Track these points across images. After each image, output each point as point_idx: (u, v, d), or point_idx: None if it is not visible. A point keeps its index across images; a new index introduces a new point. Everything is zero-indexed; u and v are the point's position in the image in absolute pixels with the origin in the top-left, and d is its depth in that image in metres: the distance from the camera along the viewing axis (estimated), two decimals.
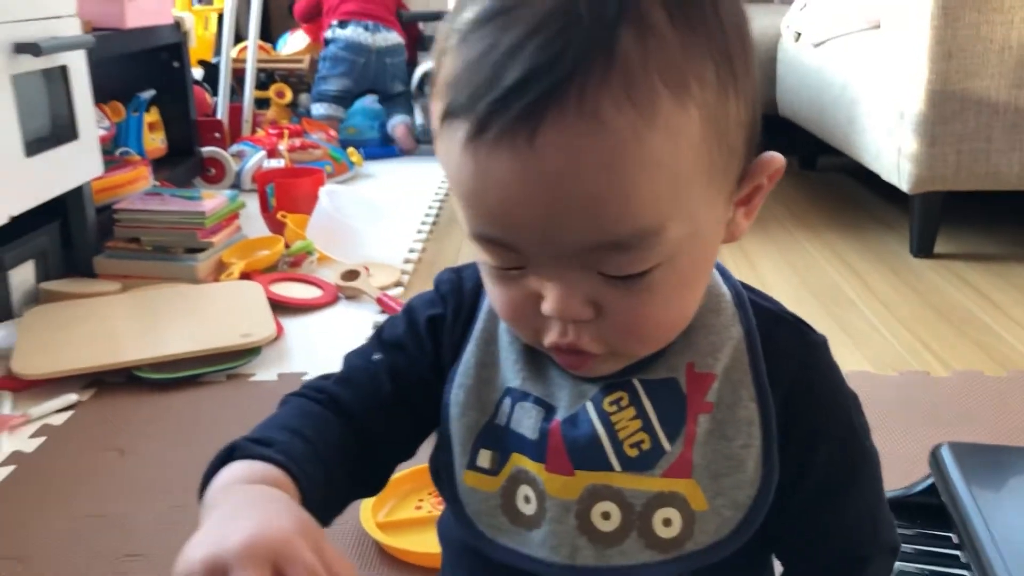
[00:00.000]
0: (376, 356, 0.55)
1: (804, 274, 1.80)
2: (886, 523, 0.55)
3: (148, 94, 2.23)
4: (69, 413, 1.27)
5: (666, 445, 0.48)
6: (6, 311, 1.57)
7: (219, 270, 1.76)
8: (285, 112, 3.10)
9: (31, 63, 1.52)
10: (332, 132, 2.91)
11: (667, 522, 0.48)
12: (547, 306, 0.44)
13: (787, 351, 0.50)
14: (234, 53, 2.73)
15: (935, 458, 0.82)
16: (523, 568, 0.51)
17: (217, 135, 2.52)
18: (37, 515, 1.03)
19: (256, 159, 2.54)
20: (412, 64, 3.23)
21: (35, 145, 1.54)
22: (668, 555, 0.49)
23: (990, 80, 1.69)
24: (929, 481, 0.82)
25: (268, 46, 3.19)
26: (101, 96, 1.79)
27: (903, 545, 0.79)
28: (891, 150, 1.80)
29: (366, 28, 3.01)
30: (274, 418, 0.51)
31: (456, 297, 0.56)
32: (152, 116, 2.29)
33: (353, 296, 1.69)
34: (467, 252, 1.99)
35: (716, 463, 0.48)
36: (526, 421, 0.50)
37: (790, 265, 1.85)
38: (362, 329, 1.56)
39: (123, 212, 1.77)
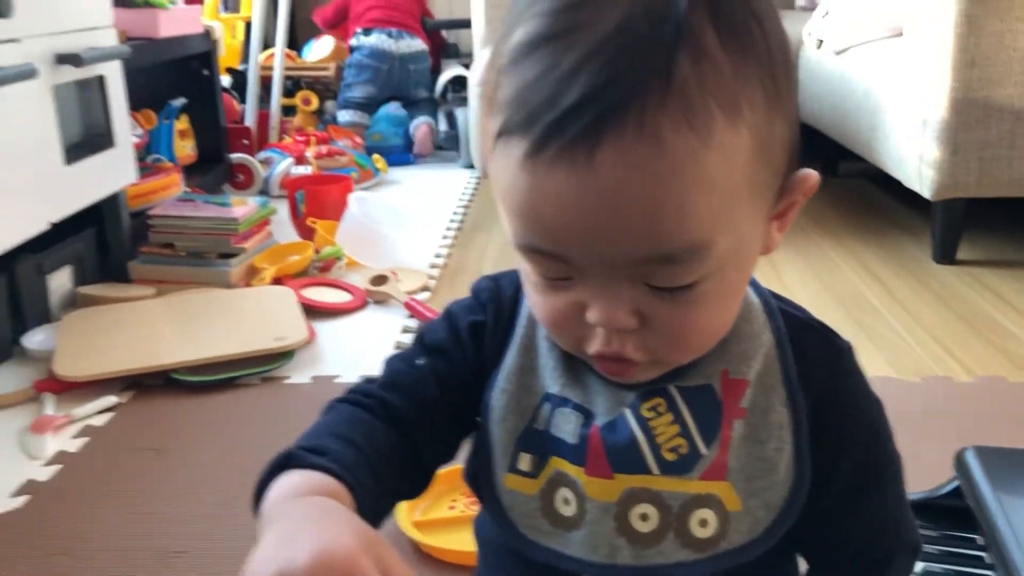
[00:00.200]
0: (420, 361, 0.57)
1: (827, 280, 1.81)
2: (908, 523, 0.57)
3: (179, 102, 2.27)
4: (110, 414, 1.30)
5: (703, 449, 0.50)
6: (45, 314, 1.61)
7: (251, 275, 1.79)
8: (311, 119, 3.15)
9: (71, 73, 1.56)
10: (358, 139, 2.95)
11: (703, 523, 0.50)
12: (593, 316, 0.45)
13: (816, 358, 0.52)
14: (260, 60, 2.77)
15: (960, 461, 0.84)
16: (562, 568, 0.53)
17: (245, 142, 2.56)
18: (84, 512, 1.07)
19: (284, 166, 2.58)
20: (436, 71, 3.27)
21: (74, 153, 1.58)
22: (704, 554, 0.50)
23: (1013, 88, 1.70)
24: (954, 484, 0.84)
25: (294, 53, 3.23)
26: (134, 104, 1.83)
27: (929, 546, 0.81)
28: (913, 157, 1.81)
29: (390, 35, 3.05)
30: (323, 425, 0.52)
31: (495, 304, 0.57)
32: (182, 123, 2.33)
33: (382, 300, 1.73)
34: (492, 257, 2.02)
35: (750, 466, 0.50)
36: (566, 426, 0.52)
37: (813, 271, 1.86)
38: (391, 333, 1.59)
39: (158, 218, 1.81)
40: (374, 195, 2.30)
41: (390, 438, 0.53)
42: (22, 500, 1.09)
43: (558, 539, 0.53)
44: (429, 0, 3.35)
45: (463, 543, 0.96)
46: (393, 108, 3.13)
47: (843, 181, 2.66)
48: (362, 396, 0.55)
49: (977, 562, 0.79)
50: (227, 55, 2.98)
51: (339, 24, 3.22)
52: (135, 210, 1.86)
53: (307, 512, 0.42)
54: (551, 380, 0.53)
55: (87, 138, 1.67)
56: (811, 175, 0.49)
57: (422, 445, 0.54)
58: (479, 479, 0.55)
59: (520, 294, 0.55)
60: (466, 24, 2.89)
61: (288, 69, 3.02)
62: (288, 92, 3.08)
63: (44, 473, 1.15)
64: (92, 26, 1.65)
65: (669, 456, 0.50)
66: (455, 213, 2.40)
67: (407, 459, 0.54)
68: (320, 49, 3.24)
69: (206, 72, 2.37)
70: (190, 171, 2.28)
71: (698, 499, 0.50)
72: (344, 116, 3.08)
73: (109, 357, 1.40)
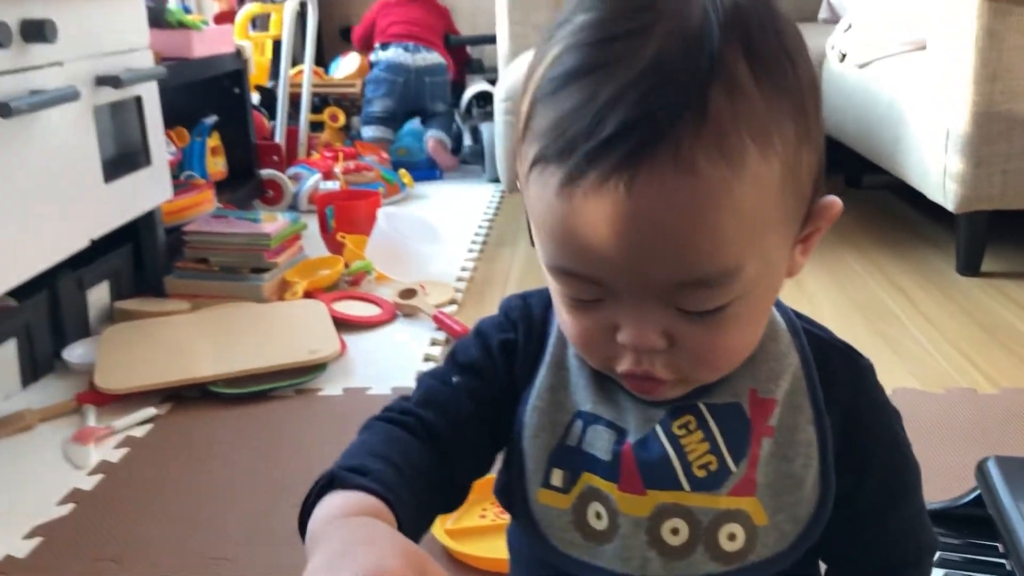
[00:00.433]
0: (455, 379, 0.58)
1: (851, 292, 1.82)
2: (926, 528, 0.58)
3: (211, 120, 2.32)
4: (149, 426, 1.34)
5: (732, 466, 0.52)
6: (84, 329, 1.66)
7: (283, 289, 1.83)
8: (338, 135, 3.20)
9: (111, 95, 1.61)
10: (384, 154, 3.00)
11: (731, 536, 0.52)
12: (624, 337, 0.47)
13: (840, 378, 0.54)
14: (288, 77, 2.82)
15: (981, 471, 0.86)
16: None
17: (275, 158, 2.61)
18: (127, 519, 1.10)
19: (312, 181, 2.62)
20: (461, 86, 3.31)
21: (112, 172, 1.63)
22: (731, 566, 0.52)
23: None
24: (976, 493, 0.86)
25: (321, 70, 3.29)
26: (167, 122, 1.87)
27: (952, 554, 0.83)
28: (937, 170, 1.83)
29: (406, 49, 3.10)
30: (362, 444, 0.53)
31: (526, 323, 0.58)
32: (214, 140, 2.38)
33: (410, 314, 1.76)
34: (517, 270, 2.05)
35: (778, 482, 0.52)
36: (599, 443, 0.53)
37: (836, 283, 1.88)
38: (419, 345, 1.62)
39: (192, 234, 1.86)
40: (403, 210, 2.34)
41: (426, 455, 0.54)
42: (68, 508, 1.13)
43: (590, 552, 0.54)
44: (454, 16, 3.40)
45: (494, 551, 0.99)
46: (418, 123, 3.19)
47: (867, 193, 2.67)
48: (398, 414, 0.56)
49: (999, 569, 0.80)
50: (256, 73, 3.04)
51: (371, 43, 3.28)
52: (169, 226, 1.91)
53: (354, 533, 0.42)
54: (583, 398, 0.55)
55: (125, 157, 1.72)
56: (835, 203, 0.51)
57: (457, 461, 0.56)
58: (511, 493, 0.56)
59: (550, 313, 0.56)
60: (490, 40, 2.92)
61: (316, 86, 3.07)
62: (316, 108, 3.13)
63: (88, 482, 1.19)
64: (130, 48, 1.70)
65: (700, 473, 0.52)
66: (480, 227, 2.43)
67: (443, 475, 0.55)
68: (347, 66, 3.30)
69: (237, 90, 2.42)
70: (221, 187, 2.33)
71: (727, 514, 0.52)
72: (368, 131, 3.13)
73: (148, 370, 1.44)
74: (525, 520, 0.56)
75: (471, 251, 2.20)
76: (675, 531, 0.52)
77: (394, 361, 1.55)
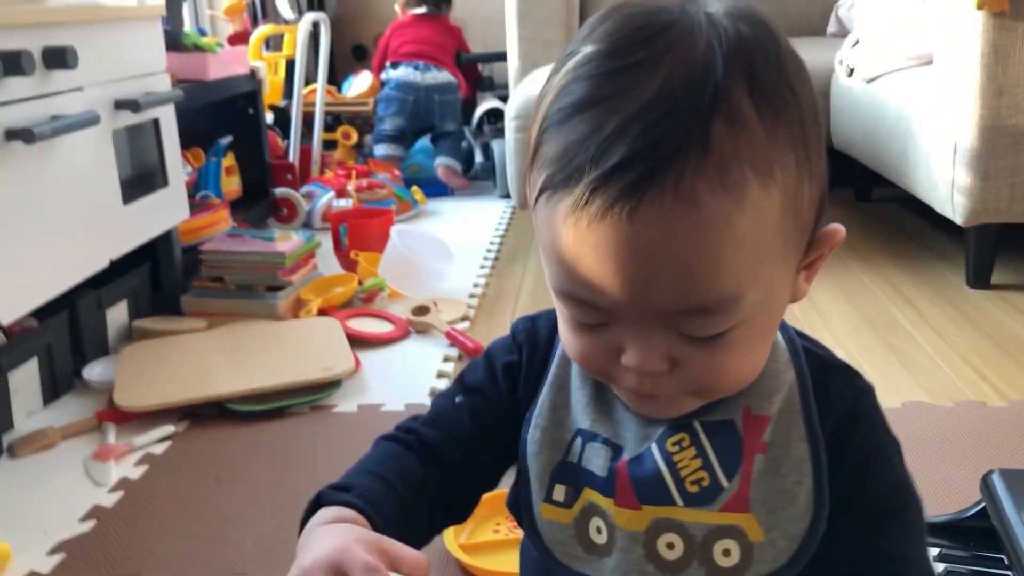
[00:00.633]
0: (459, 399, 0.62)
1: (860, 305, 1.84)
2: (921, 559, 0.56)
3: (226, 140, 2.35)
4: (168, 443, 1.37)
5: (724, 482, 0.53)
6: (103, 347, 1.69)
7: (298, 307, 1.86)
8: (351, 153, 3.23)
9: (129, 118, 1.64)
10: (396, 171, 3.03)
11: (727, 552, 0.53)
12: (628, 360, 0.48)
13: (835, 396, 0.54)
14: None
15: (986, 484, 0.87)
16: None
17: (289, 177, 2.64)
18: (148, 535, 1.13)
19: (326, 199, 2.65)
20: (472, 103, 3.34)
21: (131, 193, 1.66)
22: None
23: None
24: (981, 505, 0.87)
25: (333, 89, 3.32)
26: (183, 143, 1.90)
27: (958, 566, 0.84)
28: (945, 183, 1.84)
29: (416, 68, 3.14)
30: (362, 462, 0.59)
31: (531, 344, 0.61)
32: (229, 160, 2.41)
33: (423, 330, 1.78)
34: (528, 286, 2.07)
35: (772, 498, 0.53)
36: (596, 460, 0.55)
37: (846, 296, 1.89)
38: (432, 362, 1.64)
39: (208, 253, 1.89)
40: (415, 227, 2.37)
41: (424, 471, 0.58)
42: (90, 525, 1.15)
43: (592, 565, 0.56)
44: (465, 34, 3.44)
45: (506, 564, 1.00)
46: (429, 140, 3.22)
47: (876, 206, 2.68)
48: (404, 433, 0.61)
49: None
50: (270, 92, 3.08)
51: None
52: (186, 245, 1.94)
53: (322, 532, 0.50)
54: (582, 416, 0.57)
55: (142, 178, 1.75)
56: (838, 231, 0.52)
57: (459, 476, 0.59)
58: (520, 508, 0.59)
59: (555, 334, 0.58)
60: (501, 58, 2.95)
61: (328, 105, 3.11)
62: (329, 127, 3.17)
63: (109, 499, 1.21)
64: (148, 72, 1.73)
65: (692, 488, 0.53)
66: (492, 243, 2.46)
67: (444, 489, 0.58)
68: (359, 84, 3.34)
69: (251, 110, 2.45)
70: (236, 206, 2.36)
71: (721, 530, 0.53)
72: (379, 150, 3.16)
73: (166, 388, 1.46)
74: (532, 533, 0.58)
75: (483, 267, 2.23)
76: (670, 546, 0.53)
77: (408, 377, 1.57)
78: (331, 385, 1.50)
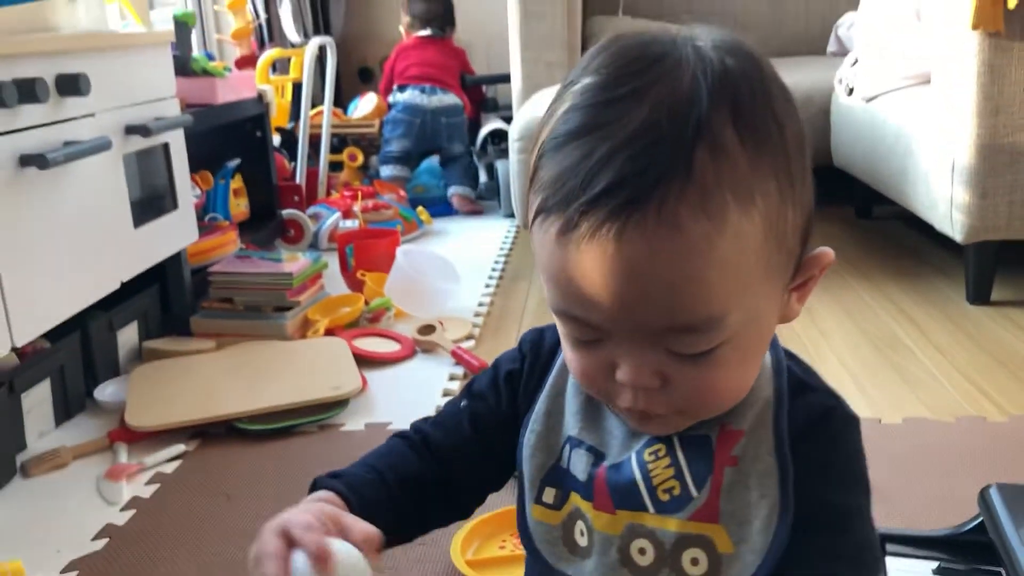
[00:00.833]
0: (463, 403, 0.67)
1: (861, 322, 1.85)
2: None
3: (234, 163, 2.39)
4: (178, 462, 1.39)
5: (694, 492, 0.55)
6: (114, 368, 1.71)
7: (305, 327, 1.88)
8: (357, 174, 3.27)
9: (140, 143, 1.67)
10: (401, 192, 3.06)
11: (695, 561, 0.55)
12: (621, 375, 0.51)
13: (805, 409, 0.55)
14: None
15: (983, 498, 0.88)
16: None
17: (296, 198, 2.67)
18: (159, 553, 1.14)
19: (332, 220, 2.68)
20: (476, 124, 3.38)
21: (141, 216, 1.69)
22: None
23: None
24: (979, 520, 0.89)
25: (339, 111, 3.36)
26: (192, 166, 1.93)
27: None
28: (943, 201, 1.86)
29: (422, 91, 3.19)
30: (366, 455, 0.65)
31: (534, 353, 0.65)
32: (236, 182, 2.44)
33: (429, 349, 1.80)
34: (532, 306, 2.09)
35: (741, 510, 0.54)
36: (578, 464, 0.59)
37: (847, 313, 1.91)
38: (438, 380, 1.66)
39: (217, 275, 1.91)
40: (421, 247, 2.39)
41: (419, 465, 0.64)
42: (102, 543, 1.17)
43: (575, 566, 0.59)
44: (469, 57, 3.48)
45: None
46: (435, 161, 3.26)
47: (876, 224, 2.70)
48: (411, 431, 0.67)
49: None
50: (276, 115, 3.11)
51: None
52: (195, 267, 1.97)
53: (291, 508, 0.56)
54: (572, 424, 0.60)
55: (152, 201, 1.78)
56: (826, 253, 0.54)
57: (457, 475, 0.65)
58: (517, 511, 0.62)
59: (559, 345, 0.61)
60: (505, 79, 2.99)
61: (335, 126, 3.15)
62: (335, 149, 3.20)
63: (121, 518, 1.23)
64: (158, 97, 1.77)
65: (663, 496, 0.55)
66: (496, 262, 2.48)
67: (439, 485, 0.64)
68: (364, 106, 3.37)
69: (259, 133, 2.49)
70: (243, 227, 2.38)
71: (689, 538, 0.55)
72: (385, 171, 3.20)
73: (176, 408, 1.48)
74: (524, 534, 0.61)
75: (488, 286, 2.25)
76: (642, 551, 0.56)
77: (414, 396, 1.59)
78: (339, 404, 1.51)
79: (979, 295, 1.91)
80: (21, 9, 1.48)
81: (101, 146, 1.48)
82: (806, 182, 0.51)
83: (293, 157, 2.89)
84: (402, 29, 3.43)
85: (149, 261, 1.73)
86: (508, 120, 2.94)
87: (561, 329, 0.54)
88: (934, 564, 0.88)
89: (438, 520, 0.67)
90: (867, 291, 2.05)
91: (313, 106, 2.97)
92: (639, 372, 0.50)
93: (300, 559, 0.51)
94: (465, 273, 2.21)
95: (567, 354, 0.55)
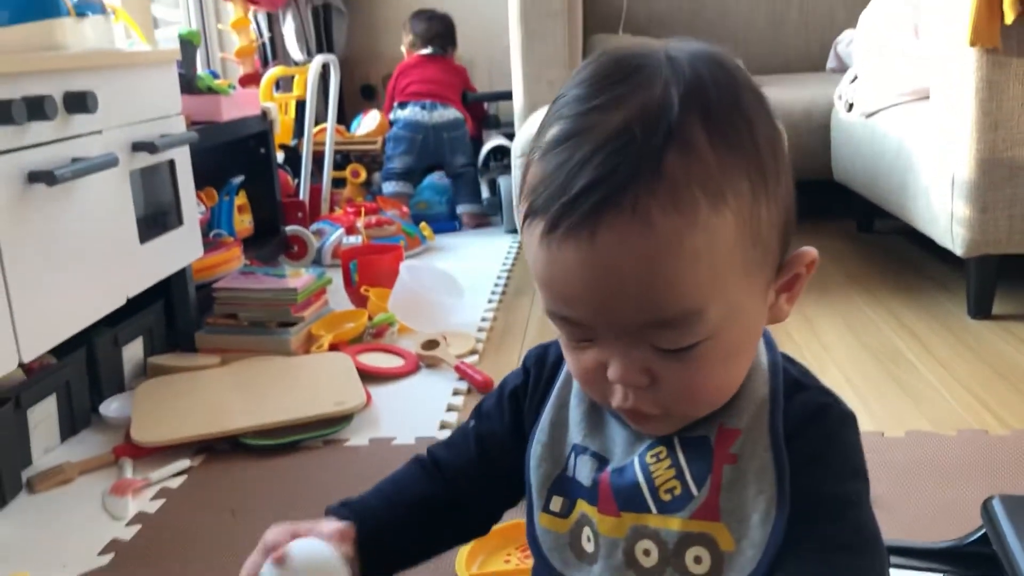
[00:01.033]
0: (471, 424, 0.69)
1: (863, 336, 1.86)
2: None
3: (238, 180, 2.40)
4: (184, 477, 1.39)
5: (694, 491, 0.56)
6: (120, 384, 1.72)
7: (309, 342, 1.89)
8: (360, 191, 3.29)
9: (146, 159, 1.69)
10: (404, 208, 3.08)
11: (698, 559, 0.56)
12: (611, 373, 0.53)
13: (800, 406, 0.57)
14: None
15: (987, 509, 0.89)
16: None
17: (300, 215, 2.69)
18: (165, 569, 1.15)
19: (335, 236, 2.70)
20: (478, 141, 3.40)
21: (147, 232, 1.70)
22: None
23: None
24: (982, 531, 0.89)
25: (342, 128, 3.38)
26: (197, 183, 1.94)
27: None
28: (944, 215, 1.87)
29: (423, 107, 3.21)
30: (381, 481, 0.70)
31: (538, 367, 0.67)
32: (240, 199, 2.46)
33: (433, 364, 1.81)
34: (536, 321, 2.10)
35: (740, 507, 0.56)
36: (583, 470, 0.61)
37: (849, 327, 1.91)
38: (442, 395, 1.66)
39: (222, 290, 1.92)
40: (424, 263, 2.40)
41: (429, 488, 0.68)
42: (108, 558, 1.18)
43: (582, 572, 0.60)
44: (471, 74, 3.50)
45: None
46: (437, 177, 3.27)
47: (878, 238, 2.71)
48: (426, 455, 0.71)
49: None
50: (280, 132, 3.13)
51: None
52: (199, 283, 1.98)
53: None
54: (576, 432, 0.62)
55: (158, 218, 1.79)
56: (809, 251, 0.56)
57: (466, 496, 0.67)
58: (526, 520, 0.64)
59: (563, 358, 0.63)
60: (506, 96, 3.01)
61: (338, 143, 3.17)
62: (338, 165, 3.22)
63: (126, 533, 1.24)
64: (163, 114, 1.78)
65: (665, 496, 0.57)
66: (499, 277, 2.49)
67: (449, 506, 0.67)
68: (367, 123, 3.40)
69: (263, 150, 2.50)
70: (248, 243, 2.40)
71: (692, 537, 0.56)
72: (388, 187, 3.22)
73: (181, 423, 1.49)
74: (532, 543, 0.63)
75: (491, 301, 2.26)
76: (647, 552, 0.57)
77: (418, 411, 1.60)
78: (343, 419, 1.52)
79: (980, 309, 1.92)
80: (30, 28, 1.50)
81: (108, 163, 1.49)
82: (781, 182, 0.53)
83: (297, 174, 2.91)
84: (404, 49, 3.46)
85: (155, 277, 1.74)
86: (510, 137, 2.95)
87: (558, 332, 0.56)
88: None
89: (452, 540, 0.70)
90: (869, 305, 2.06)
91: (316, 123, 2.99)
92: (627, 370, 0.53)
93: (266, 565, 0.61)
94: (468, 288, 2.22)
95: (567, 357, 0.58)
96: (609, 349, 0.53)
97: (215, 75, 2.52)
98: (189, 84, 2.09)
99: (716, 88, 0.51)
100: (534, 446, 0.64)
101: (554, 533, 0.61)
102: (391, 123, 3.30)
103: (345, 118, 3.64)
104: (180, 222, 1.84)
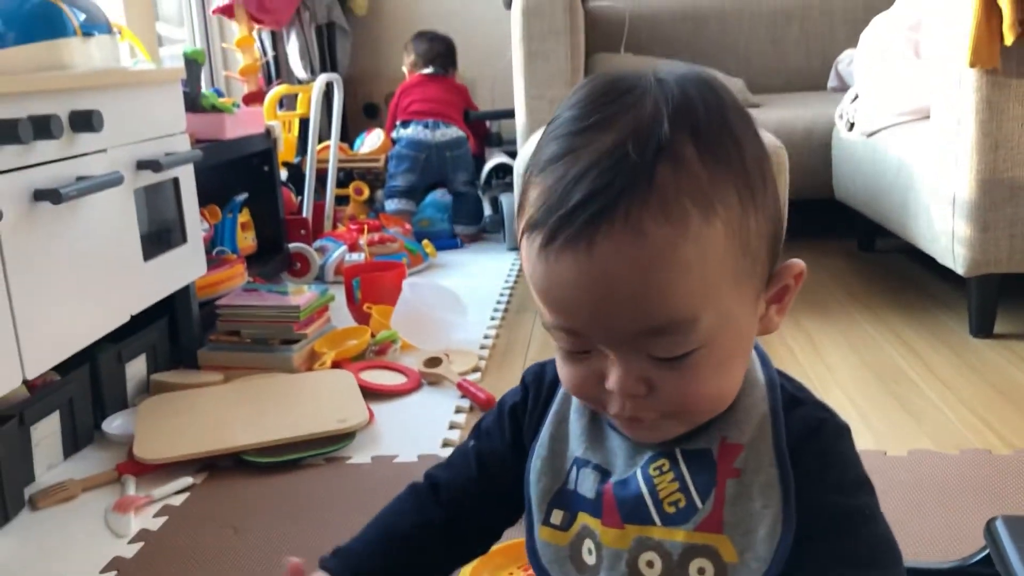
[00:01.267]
0: (471, 443, 0.71)
1: (865, 355, 1.86)
2: None
3: (241, 197, 2.41)
4: (186, 494, 1.39)
5: (699, 503, 0.58)
6: (123, 400, 1.72)
7: (312, 359, 1.89)
8: (363, 208, 3.30)
9: (150, 177, 1.70)
10: (407, 225, 3.09)
11: (701, 571, 0.57)
12: (610, 383, 0.55)
13: (799, 421, 0.59)
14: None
15: (989, 530, 0.89)
16: None
17: (303, 232, 2.70)
18: None
19: (338, 253, 2.70)
20: (480, 158, 3.42)
21: (151, 250, 1.71)
22: None
23: None
24: (985, 552, 0.89)
25: (346, 146, 3.40)
26: (200, 200, 1.95)
27: None
28: (945, 235, 1.88)
29: (426, 126, 3.23)
30: (376, 515, 0.72)
31: (536, 384, 0.69)
32: (244, 216, 2.47)
33: (436, 382, 1.81)
34: (538, 338, 2.10)
35: (744, 521, 0.57)
36: (586, 483, 0.62)
37: (850, 346, 1.91)
38: (445, 413, 1.66)
39: (225, 308, 1.93)
40: (426, 280, 2.41)
41: (423, 515, 0.69)
42: None
43: None
44: (472, 93, 3.52)
45: None
46: (439, 195, 3.28)
47: (879, 256, 2.71)
48: (423, 479, 0.72)
49: None
50: (284, 149, 3.15)
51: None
52: (202, 300, 1.98)
53: None
54: (577, 445, 0.63)
55: (162, 235, 1.80)
56: (796, 263, 0.58)
57: (464, 515, 0.68)
58: (526, 535, 0.65)
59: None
60: (508, 115, 3.03)
61: (341, 161, 3.19)
62: (341, 183, 3.24)
63: (129, 550, 1.24)
64: (168, 133, 1.79)
65: (669, 509, 0.58)
66: (502, 294, 2.50)
67: (447, 529, 0.68)
68: (371, 141, 3.41)
69: (266, 168, 2.51)
70: (251, 261, 2.40)
71: (695, 549, 0.57)
72: (391, 204, 3.23)
73: (184, 441, 1.49)
74: (532, 556, 0.64)
75: (493, 318, 2.26)
76: (650, 564, 0.58)
77: (420, 429, 1.60)
78: (345, 437, 1.52)
79: (982, 328, 1.92)
80: (38, 48, 1.51)
81: (113, 181, 1.50)
82: (768, 195, 0.55)
83: (300, 191, 2.92)
84: (405, 69, 3.48)
85: (159, 294, 1.74)
86: (512, 155, 2.97)
87: (555, 344, 0.58)
88: None
89: (452, 562, 0.71)
90: (871, 324, 2.06)
91: (320, 141, 3.00)
92: (626, 380, 0.54)
93: None
94: (471, 306, 2.22)
95: (560, 368, 0.59)
96: (607, 360, 0.54)
97: (219, 93, 2.53)
98: (193, 102, 2.10)
99: (704, 106, 0.53)
100: (534, 460, 0.65)
101: (554, 546, 0.62)
102: (393, 142, 3.31)
103: (348, 136, 3.65)
104: (184, 240, 1.85)
